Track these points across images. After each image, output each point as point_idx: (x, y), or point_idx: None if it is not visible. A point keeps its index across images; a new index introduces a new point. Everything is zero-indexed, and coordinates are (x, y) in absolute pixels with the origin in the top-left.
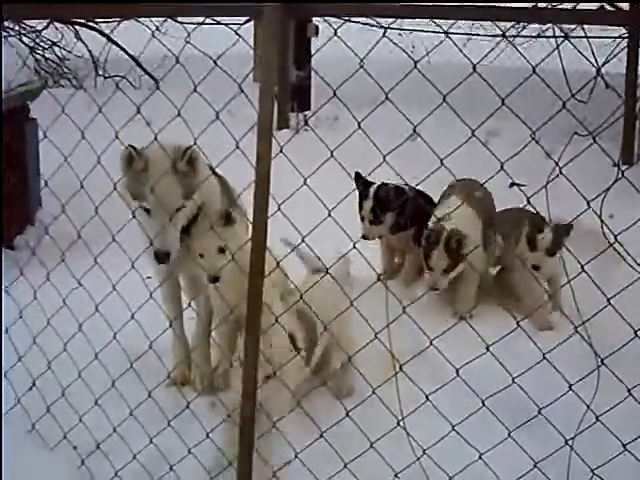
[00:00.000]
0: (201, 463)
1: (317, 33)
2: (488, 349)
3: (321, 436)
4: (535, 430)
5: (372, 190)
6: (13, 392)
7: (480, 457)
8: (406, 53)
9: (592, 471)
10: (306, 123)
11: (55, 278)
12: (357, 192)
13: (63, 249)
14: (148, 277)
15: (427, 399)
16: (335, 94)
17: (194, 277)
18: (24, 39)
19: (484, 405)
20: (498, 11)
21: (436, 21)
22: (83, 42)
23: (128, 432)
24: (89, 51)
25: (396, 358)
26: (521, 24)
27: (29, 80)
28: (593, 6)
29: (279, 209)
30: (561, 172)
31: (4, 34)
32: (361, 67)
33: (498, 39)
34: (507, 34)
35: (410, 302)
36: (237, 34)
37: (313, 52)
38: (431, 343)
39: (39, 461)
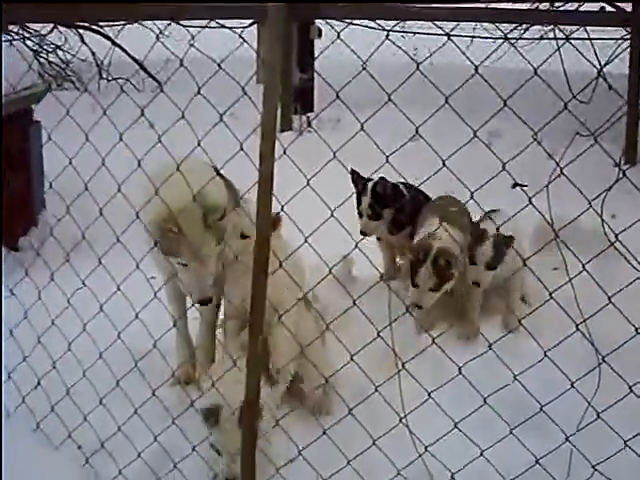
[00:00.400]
0: (205, 461)
1: (320, 35)
2: (490, 347)
3: (324, 433)
4: (536, 427)
5: (370, 185)
6: (18, 391)
7: (482, 454)
8: (408, 55)
9: (593, 467)
10: (309, 125)
11: (59, 279)
12: (355, 189)
13: (67, 250)
14: (152, 277)
15: (429, 396)
16: (338, 96)
17: None
18: (28, 43)
19: (485, 402)
20: (500, 13)
21: (438, 23)
22: (87, 45)
23: (132, 431)
24: (93, 54)
25: (398, 356)
26: (523, 26)
27: (33, 83)
28: (595, 7)
29: (282, 210)
30: (562, 172)
31: (9, 38)
32: (364, 69)
33: (500, 41)
34: (509, 36)
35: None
36: (241, 37)
37: (316, 54)
38: (433, 341)
39: (44, 460)
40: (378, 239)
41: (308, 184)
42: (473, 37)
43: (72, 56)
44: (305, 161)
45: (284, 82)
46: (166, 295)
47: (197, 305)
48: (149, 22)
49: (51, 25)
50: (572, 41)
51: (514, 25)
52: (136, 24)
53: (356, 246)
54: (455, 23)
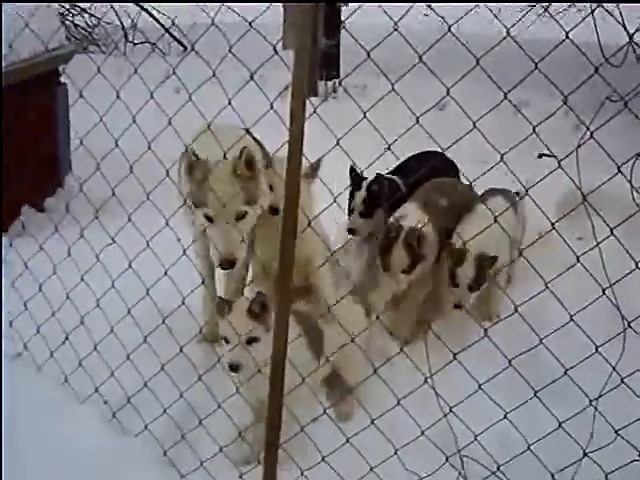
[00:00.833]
0: (230, 418)
1: (347, 1)
2: (516, 310)
3: (349, 393)
4: (560, 392)
5: (365, 183)
6: (46, 345)
7: (505, 416)
8: (438, 16)
9: (616, 432)
10: (334, 91)
11: (88, 236)
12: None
13: (96, 209)
14: (178, 239)
15: (454, 358)
16: (369, 55)
17: None
18: (54, 5)
19: (510, 365)
20: None
21: None
22: (113, 9)
23: (159, 387)
24: (118, 18)
25: (425, 319)
26: None
27: (60, 44)
28: None
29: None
30: (592, 136)
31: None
32: (395, 30)
33: (530, 7)
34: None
35: None
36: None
37: (343, 20)
38: (460, 307)
39: (71, 414)
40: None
41: (338, 143)
42: (503, 1)
43: (98, 19)
44: (331, 126)
45: (311, 48)
46: (195, 253)
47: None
48: None
49: None
50: (602, 10)
51: None
52: None
53: None
54: None
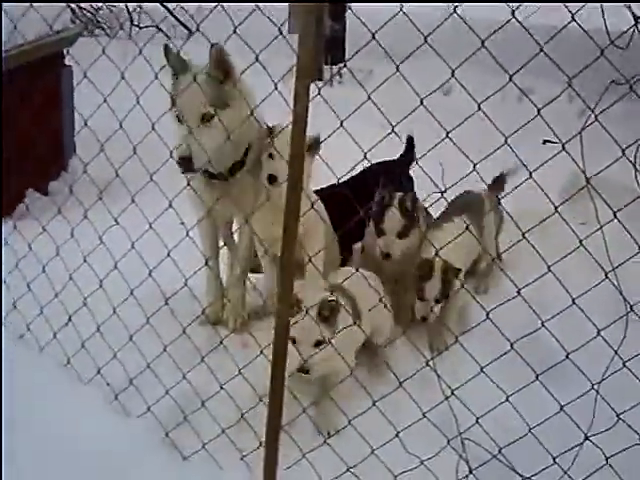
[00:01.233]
0: (232, 399)
1: None
2: (519, 293)
3: (350, 374)
4: (561, 375)
5: (397, 198)
6: (49, 327)
7: (507, 399)
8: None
9: (617, 416)
10: (340, 75)
11: (91, 218)
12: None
13: (98, 192)
14: (181, 223)
15: (456, 340)
16: (373, 36)
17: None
18: None
19: (512, 348)
20: None
21: None
22: None
23: (161, 369)
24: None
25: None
26: None
27: (65, 27)
28: None
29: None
30: (597, 119)
31: None
32: (401, 10)
33: None
34: None
35: None
36: None
37: (349, 3)
38: (463, 286)
39: (73, 395)
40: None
41: (342, 125)
42: None
43: (103, 2)
44: (336, 111)
45: (316, 31)
46: (199, 234)
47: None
48: None
49: None
50: None
51: None
52: None
53: None
54: None
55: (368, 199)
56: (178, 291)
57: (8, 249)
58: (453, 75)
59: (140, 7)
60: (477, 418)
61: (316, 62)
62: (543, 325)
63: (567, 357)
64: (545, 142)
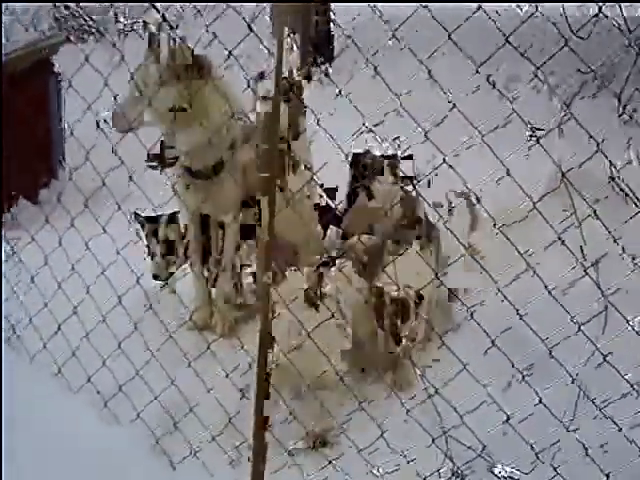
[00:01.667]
0: (220, 403)
1: None
2: (499, 290)
3: (337, 375)
4: (543, 370)
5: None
6: (39, 337)
7: (490, 395)
8: None
9: (599, 409)
10: (327, 75)
11: (78, 226)
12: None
13: (86, 199)
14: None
15: (440, 339)
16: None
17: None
18: None
19: (494, 344)
20: None
21: None
22: None
23: (150, 375)
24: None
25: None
26: None
27: (52, 34)
28: None
29: None
30: (571, 114)
31: None
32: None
33: None
34: None
35: None
36: None
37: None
38: (441, 283)
39: (64, 404)
40: None
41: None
42: None
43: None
44: (323, 110)
45: (303, 31)
46: (189, 239)
47: None
48: None
49: None
50: None
51: None
52: None
53: None
54: None
55: None
56: (163, 299)
57: None
58: (429, 74)
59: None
60: (461, 416)
61: (304, 61)
62: (521, 318)
63: (550, 353)
64: (532, 131)
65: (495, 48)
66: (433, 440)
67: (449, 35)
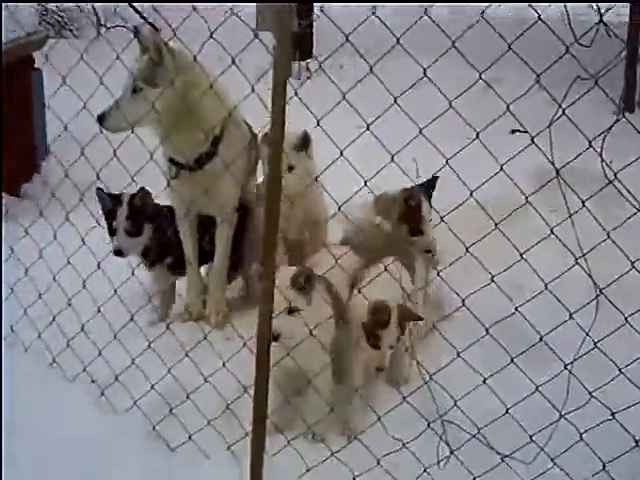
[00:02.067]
0: (217, 391)
1: None
2: (493, 280)
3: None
4: (536, 357)
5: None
6: (34, 328)
7: (484, 382)
8: None
9: (590, 394)
10: (308, 71)
11: (69, 222)
12: None
13: (73, 196)
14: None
15: (434, 327)
16: (347, 39)
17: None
18: None
19: (488, 333)
20: None
21: None
22: None
23: (146, 365)
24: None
25: (405, 291)
26: None
27: (34, 30)
28: None
29: None
30: (564, 112)
31: None
32: (373, 14)
33: None
34: None
35: None
36: None
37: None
38: (438, 274)
39: (60, 394)
40: None
41: (318, 124)
42: None
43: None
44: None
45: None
46: (181, 232)
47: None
48: None
49: None
50: None
51: None
52: None
53: (365, 184)
54: None
55: None
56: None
57: None
58: (425, 74)
59: (115, 10)
60: (456, 401)
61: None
62: (516, 310)
63: (541, 339)
64: (514, 132)
65: (477, 50)
66: (429, 424)
67: (453, 43)
